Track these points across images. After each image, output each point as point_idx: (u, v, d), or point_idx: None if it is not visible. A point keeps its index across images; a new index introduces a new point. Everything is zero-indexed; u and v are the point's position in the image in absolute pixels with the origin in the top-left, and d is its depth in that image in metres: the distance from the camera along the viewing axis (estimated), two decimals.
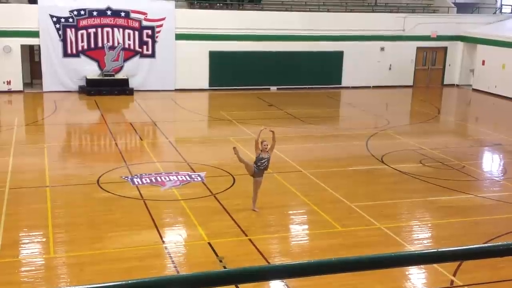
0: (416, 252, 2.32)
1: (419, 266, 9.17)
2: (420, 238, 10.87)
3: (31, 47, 25.18)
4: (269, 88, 26.89)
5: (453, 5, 30.54)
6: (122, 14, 24.69)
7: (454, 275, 9.05)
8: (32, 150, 15.92)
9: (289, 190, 12.79)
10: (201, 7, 26.60)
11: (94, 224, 10.79)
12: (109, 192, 12.47)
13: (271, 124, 19.70)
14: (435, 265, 9.09)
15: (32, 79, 25.43)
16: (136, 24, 24.92)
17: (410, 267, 8.98)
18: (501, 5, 32.22)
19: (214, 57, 25.99)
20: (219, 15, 26.14)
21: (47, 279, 8.77)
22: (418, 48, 28.84)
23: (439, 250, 2.10)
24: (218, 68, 26.12)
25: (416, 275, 9.22)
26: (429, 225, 11.52)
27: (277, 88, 27.00)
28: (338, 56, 27.58)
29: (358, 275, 7.77)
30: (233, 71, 26.30)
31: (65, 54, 24.29)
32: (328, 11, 28.02)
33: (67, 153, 16.39)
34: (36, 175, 13.53)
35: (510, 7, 31.82)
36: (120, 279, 2.09)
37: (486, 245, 2.20)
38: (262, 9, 27.40)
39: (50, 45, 24.03)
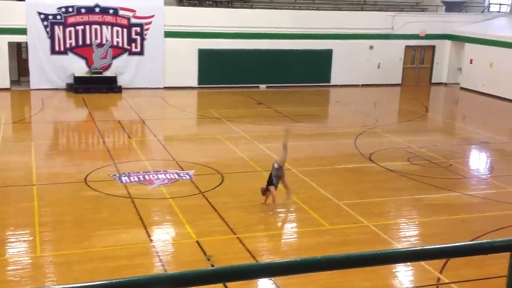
0: (402, 249, 2.32)
1: (406, 264, 9.22)
2: (408, 236, 10.93)
3: (18, 44, 24.96)
4: (258, 86, 26.88)
5: (441, 4, 30.69)
6: (111, 11, 24.56)
7: (441, 272, 9.11)
8: (19, 148, 15.79)
9: (278, 188, 12.76)
10: (190, 5, 26.51)
11: (82, 223, 10.74)
12: (96, 190, 12.41)
13: (260, 122, 19.74)
14: (422, 262, 9.14)
15: (19, 76, 25.22)
16: (125, 22, 24.80)
17: (397, 264, 9.04)
18: (489, 4, 32.43)
19: (203, 55, 25.93)
20: (208, 13, 26.07)
21: (34, 278, 8.71)
22: (407, 47, 28.96)
23: (424, 247, 2.11)
24: (207, 66, 26.06)
25: (403, 273, 9.27)
26: (417, 222, 11.58)
27: (266, 86, 27.00)
28: (327, 54, 27.63)
29: (345, 272, 7.78)
30: (222, 69, 26.26)
31: (53, 52, 24.12)
32: (317, 9, 28.06)
33: (54, 151, 16.28)
34: (23, 173, 13.43)
35: (498, 5, 32.04)
36: (107, 278, 2.07)
37: (471, 242, 2.21)
38: (251, 7, 27.36)
39: (37, 42, 23.84)
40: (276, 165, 11.64)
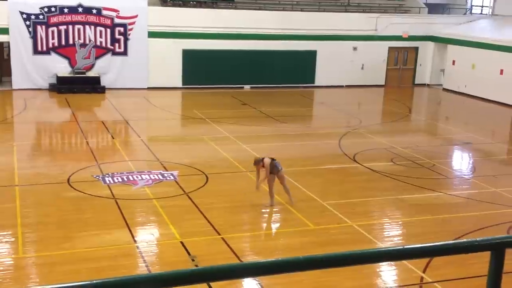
0: (386, 249, 2.34)
1: (389, 263, 9.28)
2: (391, 236, 11.00)
3: (0, 44, 24.72)
4: (242, 87, 26.88)
5: (424, 6, 30.95)
6: (94, 11, 24.40)
7: (424, 271, 9.18)
8: (1, 149, 15.63)
9: (262, 189, 12.78)
10: (174, 5, 26.45)
11: (64, 224, 10.65)
12: (79, 191, 12.32)
13: (245, 123, 19.74)
14: (405, 261, 9.21)
15: (1, 76, 24.98)
16: (108, 22, 24.66)
17: (380, 264, 9.09)
18: (471, 6, 32.77)
19: (187, 55, 25.87)
20: (192, 13, 26.02)
21: (16, 280, 8.63)
22: (390, 48, 29.14)
23: (407, 247, 2.13)
24: (191, 67, 26.01)
25: (387, 272, 9.32)
26: (400, 222, 11.66)
27: (251, 87, 27.01)
28: (311, 55, 27.71)
29: (329, 272, 7.81)
30: (206, 70, 26.22)
31: (35, 51, 23.91)
32: (301, 10, 28.14)
33: (36, 151, 16.14)
34: (5, 174, 13.30)
35: (480, 8, 32.39)
36: (90, 279, 2.06)
37: (452, 242, 2.23)
38: (235, 8, 27.37)
39: (20, 42, 23.62)
40: (279, 165, 11.69)
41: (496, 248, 2.14)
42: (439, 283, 8.92)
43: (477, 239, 2.11)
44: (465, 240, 2.23)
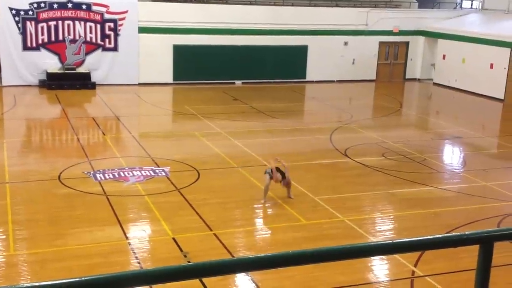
0: (377, 243, 2.36)
1: (380, 257, 9.33)
2: (382, 230, 11.05)
3: None
4: (234, 82, 26.86)
5: (414, 0, 31.02)
6: (84, 6, 24.26)
7: (415, 265, 9.24)
8: None
9: (254, 184, 12.82)
10: (164, 0, 26.33)
11: (55, 221, 10.62)
12: (70, 188, 12.28)
13: (236, 118, 19.74)
14: (396, 256, 9.27)
15: None
16: (98, 17, 24.54)
17: (372, 258, 9.14)
18: (461, 0, 32.88)
19: (178, 50, 25.80)
20: (182, 8, 25.94)
21: (7, 277, 8.59)
22: (381, 43, 29.20)
23: (397, 241, 2.15)
24: (182, 62, 25.94)
25: (378, 266, 9.37)
26: (391, 217, 11.71)
27: (242, 82, 26.99)
28: (302, 50, 27.72)
29: (320, 267, 7.84)
30: (197, 65, 26.16)
31: (25, 48, 23.76)
32: (292, 5, 28.11)
33: (27, 148, 16.06)
34: None
35: (470, 2, 32.51)
36: (82, 275, 2.06)
37: (441, 235, 2.26)
38: (226, 3, 27.31)
39: (9, 38, 23.46)
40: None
41: (485, 241, 2.16)
42: (430, 277, 8.98)
43: (466, 232, 2.13)
44: (454, 234, 2.25)
